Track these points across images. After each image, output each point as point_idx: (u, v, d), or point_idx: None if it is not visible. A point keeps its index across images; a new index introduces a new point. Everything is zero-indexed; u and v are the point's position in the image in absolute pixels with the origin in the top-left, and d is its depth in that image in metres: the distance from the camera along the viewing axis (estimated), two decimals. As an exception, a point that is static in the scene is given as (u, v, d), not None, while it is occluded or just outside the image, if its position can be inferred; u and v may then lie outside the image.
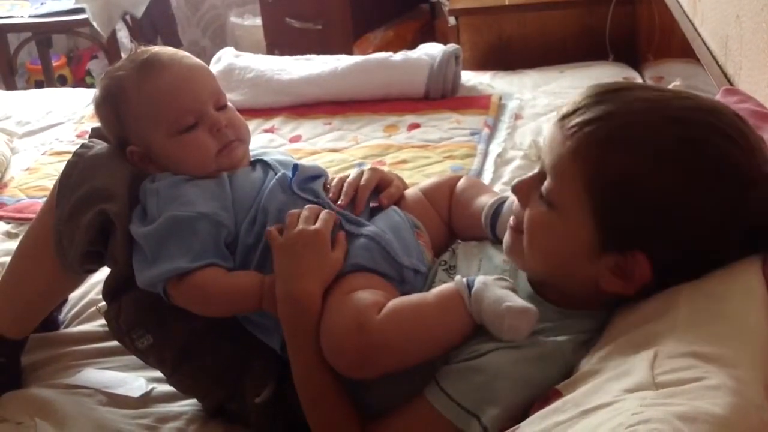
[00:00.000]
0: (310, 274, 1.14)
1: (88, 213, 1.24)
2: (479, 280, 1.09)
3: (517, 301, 1.05)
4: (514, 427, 0.94)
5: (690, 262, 0.98)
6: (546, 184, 1.05)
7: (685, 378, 0.82)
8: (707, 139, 0.97)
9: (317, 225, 1.18)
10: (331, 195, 1.28)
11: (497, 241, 1.25)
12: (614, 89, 1.03)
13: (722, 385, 0.79)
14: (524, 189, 1.09)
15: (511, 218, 1.12)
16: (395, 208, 1.29)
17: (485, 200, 1.30)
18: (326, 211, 1.21)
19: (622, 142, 0.97)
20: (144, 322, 1.27)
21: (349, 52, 3.29)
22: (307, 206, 1.21)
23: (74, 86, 3.97)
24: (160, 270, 1.17)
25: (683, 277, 0.98)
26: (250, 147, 1.35)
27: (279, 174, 1.26)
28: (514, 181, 1.12)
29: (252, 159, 1.32)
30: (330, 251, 1.16)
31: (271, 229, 1.18)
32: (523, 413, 1.00)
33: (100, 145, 1.32)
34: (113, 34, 3.73)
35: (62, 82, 4.19)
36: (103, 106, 1.31)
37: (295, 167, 1.28)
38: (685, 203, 0.96)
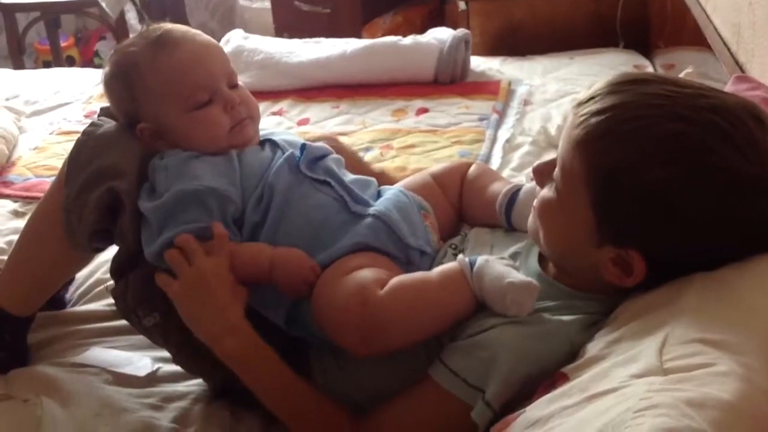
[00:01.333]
0: (211, 318, 1.14)
1: (97, 191, 1.24)
2: (481, 257, 1.10)
3: (518, 276, 1.06)
4: (519, 411, 0.94)
5: (686, 263, 0.98)
6: (555, 170, 1.05)
7: (694, 364, 0.81)
8: (703, 139, 0.95)
9: (197, 262, 1.14)
10: None
11: (511, 229, 1.26)
12: (631, 81, 1.03)
13: (731, 372, 0.79)
14: (541, 171, 1.11)
15: (535, 200, 1.13)
16: (402, 189, 1.29)
17: (498, 188, 1.31)
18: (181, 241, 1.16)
19: (621, 135, 0.97)
20: (151, 300, 1.26)
21: (358, 36, 3.28)
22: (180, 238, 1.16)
23: (82, 67, 3.97)
24: (166, 236, 1.17)
25: (681, 275, 0.97)
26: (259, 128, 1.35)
27: (287, 153, 1.26)
28: (535, 163, 1.13)
29: (261, 138, 1.32)
30: (223, 283, 1.14)
31: (161, 276, 1.17)
32: (526, 389, 1.02)
33: (109, 124, 1.31)
34: (122, 15, 3.72)
35: (70, 62, 4.18)
36: (113, 82, 1.30)
37: (303, 147, 1.28)
38: (674, 202, 0.96)
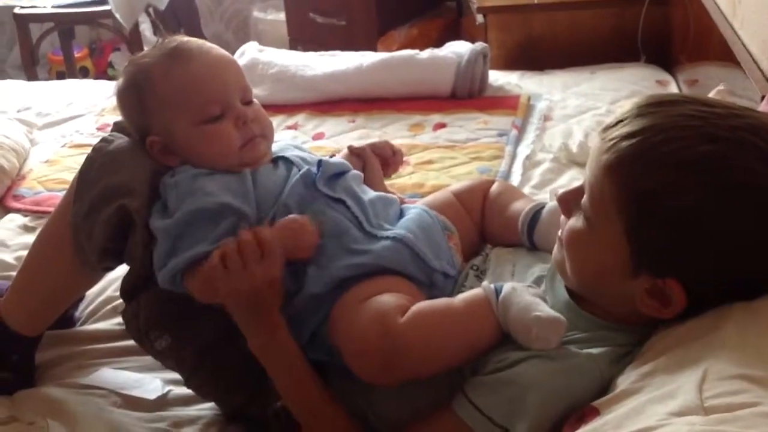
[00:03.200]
0: (252, 330, 1.13)
1: (108, 209, 1.21)
2: (507, 285, 1.06)
3: (545, 310, 1.02)
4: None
5: (727, 291, 0.93)
6: (584, 198, 1.01)
7: (737, 403, 0.77)
8: (740, 160, 0.92)
9: (230, 278, 1.09)
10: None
11: (534, 249, 1.22)
12: (660, 102, 0.99)
13: (778, 412, 0.74)
14: (567, 200, 1.07)
15: (560, 231, 1.08)
16: (426, 208, 1.26)
17: (521, 206, 1.27)
18: (240, 244, 1.09)
19: (653, 159, 0.93)
20: (163, 323, 1.24)
21: (373, 49, 3.25)
22: (215, 252, 1.10)
23: (96, 78, 3.95)
24: (181, 259, 1.14)
25: (724, 303, 0.93)
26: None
27: (303, 170, 1.23)
28: (559, 191, 1.08)
29: (274, 156, 1.28)
30: (259, 301, 1.10)
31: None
32: (554, 426, 0.98)
33: (121, 139, 1.28)
34: (136, 27, 3.71)
35: (84, 73, 4.17)
36: (126, 93, 1.27)
37: (320, 163, 1.24)
38: (713, 226, 0.92)
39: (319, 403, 1.13)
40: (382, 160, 1.40)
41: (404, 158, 2.05)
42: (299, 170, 1.24)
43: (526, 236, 1.24)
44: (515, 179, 1.97)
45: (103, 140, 1.30)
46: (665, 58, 2.63)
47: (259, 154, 1.25)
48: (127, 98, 1.28)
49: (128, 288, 1.28)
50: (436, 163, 2.07)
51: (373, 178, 1.37)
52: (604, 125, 1.01)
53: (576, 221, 1.04)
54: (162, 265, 1.17)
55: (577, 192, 1.05)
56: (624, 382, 0.94)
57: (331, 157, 1.37)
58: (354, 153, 1.38)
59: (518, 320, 1.03)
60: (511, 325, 1.04)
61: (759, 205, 0.92)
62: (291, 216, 1.15)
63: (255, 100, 1.29)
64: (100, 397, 1.37)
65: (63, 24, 3.73)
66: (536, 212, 1.24)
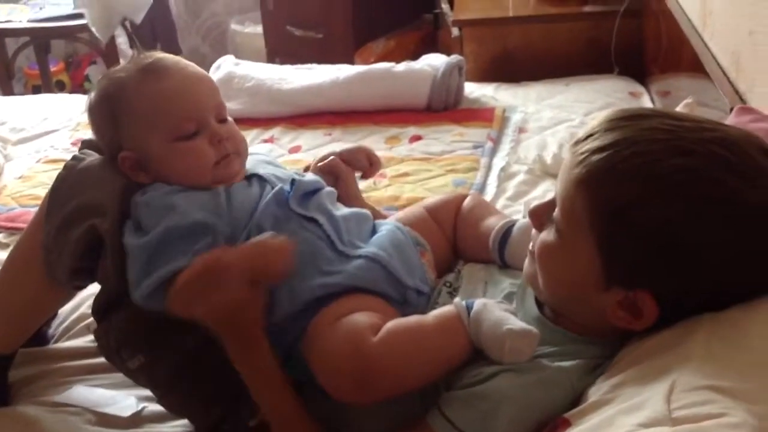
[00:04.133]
0: (230, 345, 1.12)
1: (78, 229, 1.20)
2: (479, 301, 1.07)
3: (517, 323, 1.03)
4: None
5: (702, 303, 0.94)
6: (555, 211, 1.01)
7: (704, 414, 0.78)
8: (710, 172, 0.92)
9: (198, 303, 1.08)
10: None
11: (505, 266, 1.22)
12: (630, 116, 0.99)
13: (743, 423, 0.75)
14: (539, 213, 1.07)
15: (531, 244, 1.09)
16: (399, 225, 1.26)
17: (493, 222, 1.28)
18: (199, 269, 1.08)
19: (624, 172, 0.94)
20: (135, 342, 1.23)
21: (351, 62, 3.26)
22: (179, 276, 1.09)
23: (72, 92, 3.93)
24: (156, 275, 1.13)
25: (695, 314, 0.94)
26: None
27: (276, 188, 1.22)
28: (530, 205, 1.09)
29: (247, 173, 1.28)
30: (237, 316, 1.09)
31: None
32: None
33: (92, 157, 1.28)
34: (112, 40, 3.69)
35: (60, 87, 4.15)
36: (98, 107, 1.26)
37: (293, 182, 1.24)
38: (684, 237, 0.92)
39: (298, 419, 1.13)
40: (358, 171, 1.39)
41: (380, 171, 2.07)
42: (272, 188, 1.24)
43: (497, 254, 1.24)
44: (490, 191, 1.98)
45: (74, 158, 1.29)
46: (638, 70, 2.65)
47: (233, 171, 1.25)
48: (99, 112, 1.26)
49: (100, 307, 1.26)
50: (412, 175, 2.07)
51: (347, 192, 1.36)
52: (575, 139, 1.01)
53: (548, 234, 1.04)
54: (138, 284, 1.16)
55: (549, 205, 1.05)
56: (595, 393, 0.94)
57: (305, 170, 1.37)
58: (324, 171, 1.36)
59: (490, 335, 1.03)
60: (483, 340, 1.04)
61: (729, 217, 0.92)
62: (265, 235, 1.13)
63: (229, 117, 1.29)
64: (74, 414, 1.36)
65: (39, 38, 3.72)
66: (507, 230, 1.24)
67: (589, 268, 0.98)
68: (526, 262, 1.10)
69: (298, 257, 1.14)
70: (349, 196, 1.35)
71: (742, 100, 1.58)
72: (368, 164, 1.40)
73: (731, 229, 0.92)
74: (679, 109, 1.74)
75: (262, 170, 1.27)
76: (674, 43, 2.29)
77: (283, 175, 1.28)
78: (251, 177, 1.26)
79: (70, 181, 1.25)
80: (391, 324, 1.07)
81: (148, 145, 1.22)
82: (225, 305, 1.08)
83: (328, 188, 1.28)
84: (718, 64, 1.77)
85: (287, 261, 1.11)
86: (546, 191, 1.92)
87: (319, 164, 1.38)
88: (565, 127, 2.25)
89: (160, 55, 1.27)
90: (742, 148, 0.95)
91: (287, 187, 1.23)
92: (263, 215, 1.19)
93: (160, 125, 1.21)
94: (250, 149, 1.31)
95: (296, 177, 1.25)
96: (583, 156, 0.97)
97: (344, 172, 1.38)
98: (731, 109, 1.48)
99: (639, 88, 2.51)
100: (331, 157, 1.38)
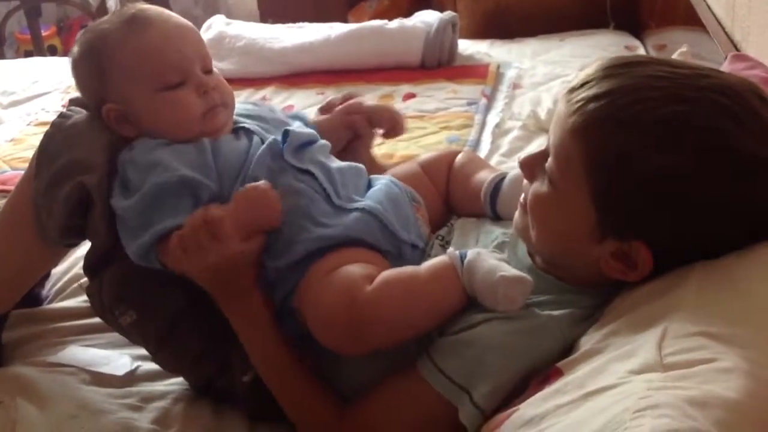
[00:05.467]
0: (223, 298, 1.14)
1: (66, 185, 1.19)
2: (472, 251, 1.06)
3: (510, 270, 1.02)
4: (513, 409, 0.90)
5: (695, 252, 0.93)
6: (548, 161, 1.00)
7: (695, 359, 0.77)
8: (710, 120, 0.91)
9: (196, 258, 1.09)
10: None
11: (497, 219, 1.22)
12: (626, 63, 0.98)
13: (735, 368, 0.75)
14: (530, 164, 1.05)
15: (522, 196, 1.08)
16: (395, 180, 1.25)
17: (484, 176, 1.27)
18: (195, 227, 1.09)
19: (622, 120, 0.92)
20: (127, 298, 1.23)
21: (344, 21, 3.23)
22: (174, 234, 1.11)
23: (64, 56, 3.90)
24: (148, 234, 1.13)
25: (688, 264, 0.93)
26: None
27: (269, 140, 1.21)
28: (521, 157, 1.07)
29: (234, 126, 1.26)
30: (230, 269, 1.10)
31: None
32: (517, 387, 0.98)
33: (79, 114, 1.26)
34: (103, 3, 3.66)
35: (52, 51, 4.11)
36: (82, 60, 1.25)
37: (286, 133, 1.22)
38: (683, 188, 0.91)
39: (290, 369, 1.13)
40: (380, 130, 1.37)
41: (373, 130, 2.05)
42: (261, 140, 1.23)
43: (489, 207, 1.23)
44: (484, 148, 1.97)
45: (62, 116, 1.28)
46: (634, 24, 2.63)
47: (220, 123, 1.23)
48: (83, 65, 1.25)
49: (91, 264, 1.26)
50: (406, 133, 2.04)
51: (362, 153, 1.35)
52: (569, 87, 1.00)
53: (540, 186, 1.03)
54: (129, 245, 1.15)
55: (540, 156, 1.04)
56: (587, 343, 0.94)
57: (322, 110, 1.34)
58: (344, 125, 1.35)
59: (484, 283, 1.02)
60: (477, 288, 1.04)
61: (729, 165, 0.91)
62: (249, 185, 1.13)
63: (215, 69, 1.27)
64: (68, 374, 1.36)
65: (29, 2, 3.67)
66: (498, 182, 1.23)
67: (583, 219, 0.97)
68: (517, 214, 1.09)
69: (294, 209, 1.14)
70: (363, 157, 1.34)
71: (737, 49, 1.57)
72: (392, 126, 1.37)
73: (729, 177, 0.91)
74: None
75: (250, 124, 1.26)
76: (669, -5, 2.27)
77: (272, 117, 1.27)
78: (238, 129, 1.25)
79: (58, 138, 1.24)
80: (385, 274, 1.07)
81: (133, 97, 1.21)
82: (220, 260, 1.08)
83: (323, 141, 1.27)
84: (713, 14, 1.75)
85: (274, 208, 1.11)
86: (540, 147, 1.89)
87: (340, 114, 1.35)
88: (560, 83, 2.23)
89: (143, 6, 1.26)
90: (740, 95, 0.93)
91: (280, 139, 1.22)
92: (258, 167, 1.18)
93: (144, 76, 1.20)
94: (239, 103, 1.30)
95: (290, 129, 1.23)
96: (578, 104, 0.95)
97: (366, 131, 1.36)
98: (725, 58, 1.47)
99: (635, 42, 2.49)
100: (355, 115, 1.35)
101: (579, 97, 0.96)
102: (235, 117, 1.27)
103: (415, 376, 1.04)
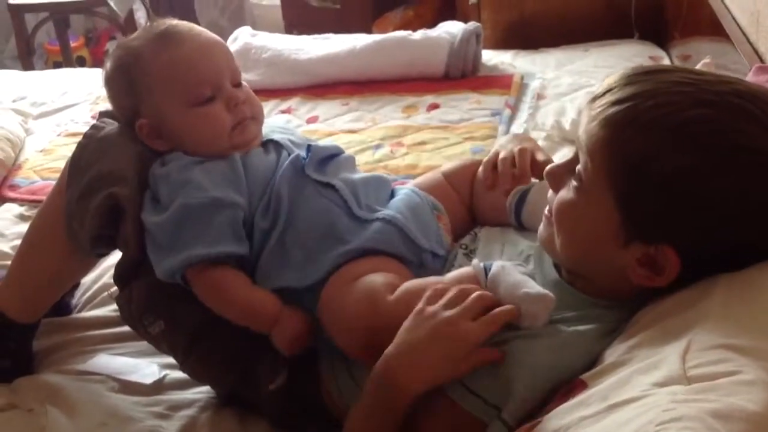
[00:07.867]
0: (421, 370, 1.00)
1: (98, 196, 1.21)
2: (496, 263, 1.06)
3: (534, 287, 1.02)
4: (536, 420, 0.91)
5: (724, 257, 0.93)
6: (578, 166, 1.00)
7: (718, 372, 0.77)
8: (735, 124, 0.91)
9: (453, 313, 1.00)
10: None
11: (522, 228, 1.22)
12: (649, 71, 0.98)
13: (758, 380, 0.75)
14: (557, 174, 1.06)
15: (547, 207, 1.08)
16: (415, 189, 1.26)
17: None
18: (476, 295, 1.02)
19: (644, 123, 0.92)
20: (155, 308, 1.24)
21: (368, 32, 3.24)
22: (456, 287, 1.03)
23: (93, 67, 3.95)
24: (177, 259, 1.15)
25: (719, 271, 0.93)
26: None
27: (292, 155, 1.23)
28: (548, 167, 1.07)
29: (263, 139, 1.28)
30: (459, 353, 1.00)
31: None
32: (543, 401, 0.98)
33: (111, 126, 1.29)
34: (131, 14, 3.70)
35: (81, 63, 4.16)
36: (115, 76, 1.27)
37: (308, 148, 1.24)
38: (705, 188, 0.91)
39: None
40: None
41: (398, 140, 2.06)
42: (289, 154, 1.24)
43: (514, 216, 1.24)
44: (508, 158, 1.97)
45: (94, 127, 1.30)
46: (658, 34, 2.62)
47: (250, 136, 1.25)
48: (116, 81, 1.28)
49: (122, 274, 1.28)
50: (430, 143, 2.07)
51: None
52: (593, 95, 1.00)
53: (566, 193, 1.03)
54: (158, 262, 1.17)
55: (566, 166, 1.04)
56: (611, 355, 0.94)
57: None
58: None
59: (507, 297, 1.02)
60: (499, 302, 1.04)
61: (751, 167, 0.91)
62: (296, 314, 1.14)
63: (244, 83, 1.29)
64: (97, 382, 1.38)
65: (58, 13, 3.72)
66: (523, 192, 1.23)
67: (609, 224, 0.97)
68: (541, 226, 1.09)
69: (317, 229, 1.15)
70: None
71: (761, 60, 1.56)
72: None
73: (753, 179, 0.91)
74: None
75: (278, 136, 1.28)
76: (694, 5, 2.26)
77: (300, 141, 1.28)
78: (267, 143, 1.27)
79: (90, 149, 1.26)
80: (408, 284, 1.07)
81: (165, 112, 1.23)
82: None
83: (347, 154, 1.28)
84: (738, 25, 1.75)
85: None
86: (564, 158, 1.90)
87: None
88: (584, 93, 2.23)
89: (173, 22, 1.28)
90: (764, 101, 0.94)
91: (303, 154, 1.23)
92: (281, 183, 1.19)
93: (176, 91, 1.22)
94: (267, 120, 1.31)
95: (312, 144, 1.25)
96: (600, 109, 0.96)
97: None
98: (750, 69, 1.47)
99: (659, 52, 2.48)
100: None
101: (602, 103, 0.96)
102: (264, 130, 1.29)
103: (442, 398, 1.02)
